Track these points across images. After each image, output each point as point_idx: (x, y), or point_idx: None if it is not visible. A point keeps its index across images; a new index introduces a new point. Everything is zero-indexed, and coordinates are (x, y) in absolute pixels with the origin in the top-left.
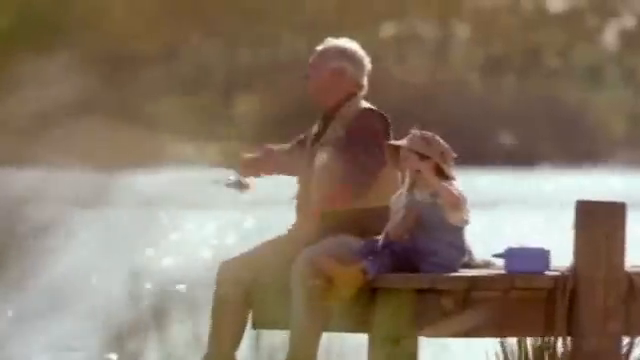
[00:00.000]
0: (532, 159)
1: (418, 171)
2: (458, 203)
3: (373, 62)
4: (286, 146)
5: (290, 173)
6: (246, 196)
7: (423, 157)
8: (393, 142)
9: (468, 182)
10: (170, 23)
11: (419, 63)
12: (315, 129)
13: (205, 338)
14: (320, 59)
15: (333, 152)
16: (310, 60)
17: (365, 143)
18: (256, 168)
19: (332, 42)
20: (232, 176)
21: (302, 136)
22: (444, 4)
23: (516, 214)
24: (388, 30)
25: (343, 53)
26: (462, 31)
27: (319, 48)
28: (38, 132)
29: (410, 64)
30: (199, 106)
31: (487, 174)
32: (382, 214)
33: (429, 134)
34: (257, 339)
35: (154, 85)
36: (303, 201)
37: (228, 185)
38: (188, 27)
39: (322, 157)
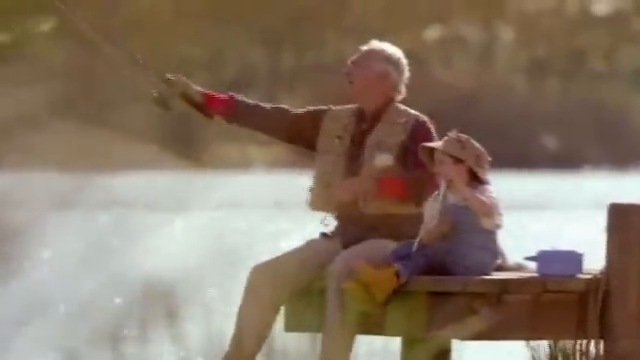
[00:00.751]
0: (576, 162)
1: (450, 180)
2: (488, 211)
3: (418, 64)
4: (267, 105)
5: (252, 128)
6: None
7: (457, 160)
8: (428, 144)
9: (512, 185)
10: (216, 27)
11: (463, 66)
12: (346, 122)
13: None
14: (365, 60)
15: (400, 158)
16: (353, 59)
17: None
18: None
19: (377, 45)
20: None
21: (316, 109)
22: (489, 7)
23: (559, 216)
24: (433, 33)
25: (388, 57)
26: (506, 34)
27: (363, 49)
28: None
29: (455, 67)
30: None
31: (531, 177)
32: (418, 220)
33: (464, 137)
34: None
35: (200, 87)
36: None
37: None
38: (234, 30)
39: (383, 159)
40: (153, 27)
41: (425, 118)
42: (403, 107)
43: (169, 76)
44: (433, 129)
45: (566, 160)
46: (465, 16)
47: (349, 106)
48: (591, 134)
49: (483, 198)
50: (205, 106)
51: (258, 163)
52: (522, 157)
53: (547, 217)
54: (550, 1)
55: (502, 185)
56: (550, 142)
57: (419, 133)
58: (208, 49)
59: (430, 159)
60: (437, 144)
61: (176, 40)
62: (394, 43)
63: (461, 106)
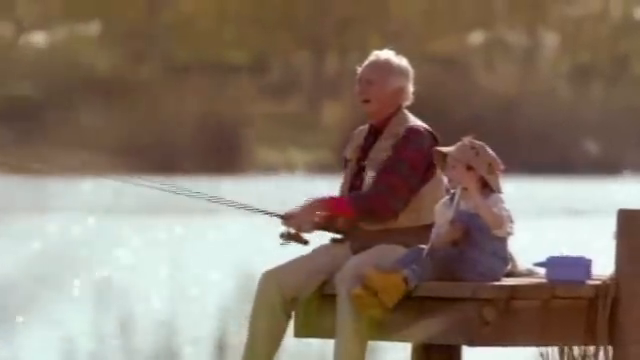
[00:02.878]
0: (618, 167)
1: (465, 188)
2: (498, 223)
3: (460, 70)
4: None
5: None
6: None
7: (470, 167)
8: (441, 149)
9: (552, 190)
10: (260, 31)
11: (506, 71)
12: (360, 141)
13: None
14: (380, 77)
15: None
16: (366, 77)
17: (405, 165)
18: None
19: (385, 57)
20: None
21: (345, 155)
22: (532, 12)
23: (598, 222)
24: (476, 38)
25: (401, 70)
26: (550, 39)
27: (374, 64)
28: None
29: (497, 72)
30: (287, 114)
31: (572, 182)
32: (422, 230)
33: (478, 144)
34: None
35: (244, 92)
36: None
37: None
38: (278, 35)
39: (371, 176)
40: (197, 32)
41: (415, 127)
42: (406, 115)
43: (283, 214)
44: (425, 139)
45: (607, 165)
46: (508, 21)
47: (366, 126)
48: (633, 139)
49: (494, 209)
50: (330, 222)
51: (300, 167)
52: (564, 162)
53: (586, 222)
54: (594, 6)
55: (542, 190)
56: (592, 147)
57: (399, 142)
58: (252, 53)
59: (443, 162)
60: (450, 149)
61: (220, 44)
62: (437, 48)
63: (503, 111)
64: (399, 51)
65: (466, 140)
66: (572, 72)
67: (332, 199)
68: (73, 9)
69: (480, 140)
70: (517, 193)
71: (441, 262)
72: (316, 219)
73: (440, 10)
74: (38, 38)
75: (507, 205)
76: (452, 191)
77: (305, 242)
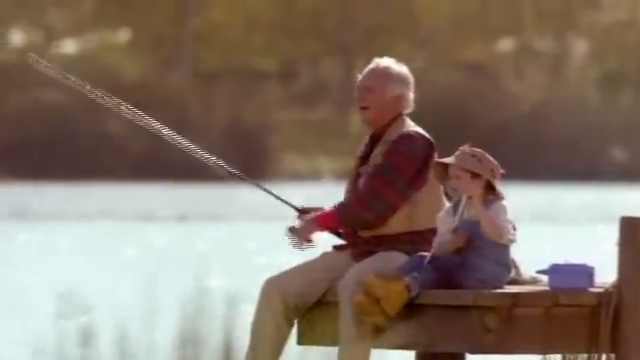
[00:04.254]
0: None
1: (470, 197)
2: (498, 233)
3: (489, 77)
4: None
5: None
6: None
7: (474, 175)
8: (442, 160)
9: (579, 197)
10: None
11: (535, 78)
12: (362, 149)
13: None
14: (378, 84)
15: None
16: (365, 84)
17: (391, 169)
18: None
19: (384, 65)
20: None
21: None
22: (561, 19)
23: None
24: (505, 45)
25: (400, 77)
26: (578, 46)
27: (373, 72)
28: None
29: (526, 79)
30: (315, 121)
31: (600, 189)
32: (425, 237)
33: (478, 151)
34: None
35: (272, 99)
36: None
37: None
38: (306, 42)
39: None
40: (225, 39)
41: (406, 132)
42: (404, 122)
43: (304, 208)
44: (419, 145)
45: (635, 172)
46: (537, 28)
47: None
48: None
49: (496, 221)
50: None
51: (327, 174)
52: (591, 169)
53: (612, 230)
54: (623, 13)
55: (569, 197)
56: (619, 154)
57: (389, 147)
58: (280, 60)
59: (443, 174)
60: (451, 160)
61: (248, 52)
62: (465, 55)
63: (532, 118)
64: (428, 58)
65: (466, 148)
66: (600, 79)
67: (321, 216)
68: (103, 17)
69: (508, 147)
70: (544, 200)
71: (442, 269)
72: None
73: (469, 17)
74: (68, 45)
75: (511, 210)
76: (455, 199)
77: (312, 245)
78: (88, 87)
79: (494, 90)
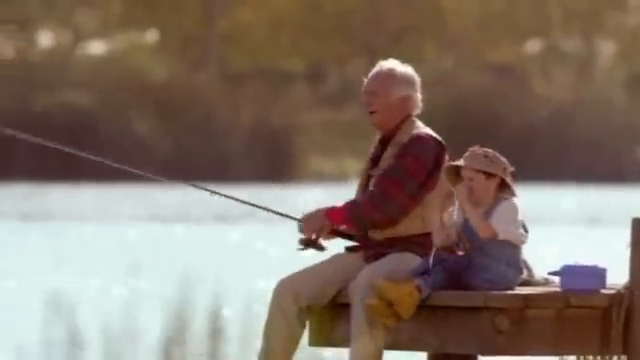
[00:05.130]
0: None
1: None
2: (489, 232)
3: (516, 78)
4: None
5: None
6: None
7: (489, 175)
8: (454, 163)
9: (605, 198)
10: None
11: (562, 79)
12: (372, 152)
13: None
14: (383, 88)
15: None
16: (370, 89)
17: (402, 171)
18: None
19: (388, 67)
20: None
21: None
22: (588, 20)
23: None
24: (532, 46)
25: (405, 79)
26: (606, 47)
27: (377, 75)
28: None
29: (553, 80)
30: (342, 122)
31: (626, 191)
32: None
33: (490, 151)
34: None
35: (299, 100)
36: None
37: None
38: (333, 43)
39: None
40: (252, 40)
41: (418, 134)
42: (414, 124)
43: (300, 218)
44: (430, 147)
45: None
46: (564, 29)
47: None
48: None
49: (487, 225)
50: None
51: (353, 175)
52: (618, 171)
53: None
54: None
55: (595, 198)
56: None
57: (400, 150)
58: (307, 61)
59: (455, 177)
60: (463, 162)
61: (275, 53)
62: (493, 56)
63: (558, 119)
64: (455, 59)
65: (477, 149)
66: (628, 80)
67: (332, 210)
68: (131, 18)
69: (535, 148)
70: (570, 201)
71: (451, 270)
72: (325, 228)
73: (496, 18)
74: (96, 46)
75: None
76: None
77: (322, 248)
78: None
79: (521, 91)
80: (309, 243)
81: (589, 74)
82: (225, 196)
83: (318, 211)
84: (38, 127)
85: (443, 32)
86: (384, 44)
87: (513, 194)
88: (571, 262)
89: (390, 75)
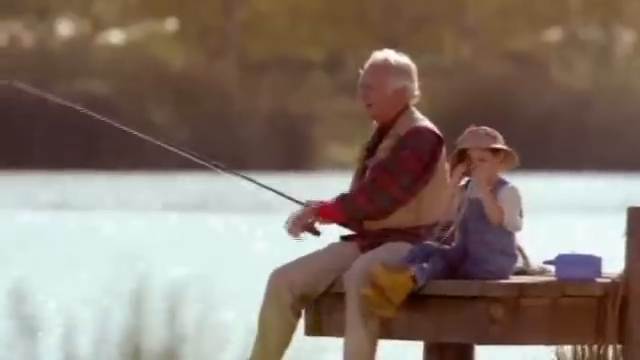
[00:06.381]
0: None
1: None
2: (499, 217)
3: (535, 66)
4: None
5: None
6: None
7: (495, 152)
8: (461, 146)
9: (624, 187)
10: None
11: (581, 68)
12: (368, 143)
13: None
14: (379, 81)
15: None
16: (366, 82)
17: (397, 164)
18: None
19: (383, 58)
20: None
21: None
22: (607, 9)
23: None
24: (551, 35)
25: (401, 70)
26: (625, 36)
27: (372, 67)
28: None
29: (573, 69)
30: (361, 111)
31: None
32: (433, 231)
33: (487, 128)
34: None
35: (318, 89)
36: None
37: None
38: (352, 31)
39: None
40: (271, 29)
41: (416, 127)
42: (412, 115)
43: (309, 202)
44: (418, 138)
45: None
46: (584, 18)
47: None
48: None
49: (498, 204)
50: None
51: None
52: (637, 159)
53: None
54: None
55: (615, 187)
56: None
57: (398, 143)
58: (326, 50)
59: (459, 160)
60: (470, 144)
61: (294, 42)
62: (512, 45)
63: (578, 108)
64: (474, 48)
65: (479, 129)
66: None
67: (324, 206)
68: (150, 7)
69: (554, 136)
70: (589, 189)
71: (450, 260)
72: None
73: (515, 7)
74: (115, 36)
75: (524, 196)
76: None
77: (317, 233)
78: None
79: (540, 79)
80: (305, 228)
81: (608, 62)
82: (278, 193)
83: (309, 208)
84: (57, 116)
85: (462, 21)
86: (403, 32)
87: (516, 163)
88: (566, 251)
89: (385, 67)
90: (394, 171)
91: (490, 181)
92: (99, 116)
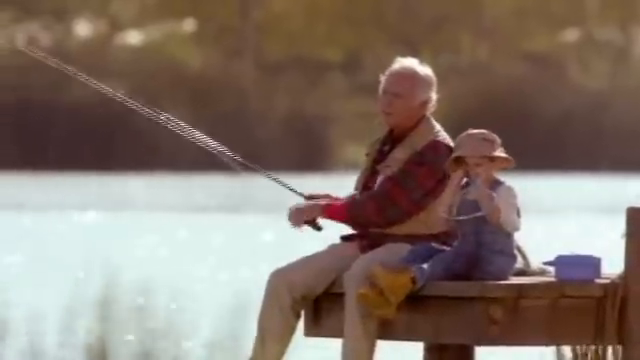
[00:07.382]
0: None
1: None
2: (496, 215)
3: (553, 67)
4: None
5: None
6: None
7: (492, 159)
8: (457, 154)
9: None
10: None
11: (599, 68)
12: (379, 146)
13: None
14: (407, 91)
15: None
16: (391, 90)
17: (411, 178)
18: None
19: (411, 68)
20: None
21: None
22: (624, 9)
23: None
24: (569, 36)
25: (428, 82)
26: None
27: (400, 76)
28: None
29: (590, 69)
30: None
31: None
32: (440, 239)
33: (485, 131)
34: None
35: (335, 90)
36: None
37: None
38: (369, 32)
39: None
40: (288, 29)
41: (433, 142)
42: (430, 125)
43: (311, 195)
44: (435, 154)
45: None
46: (601, 18)
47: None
48: None
49: (494, 202)
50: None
51: None
52: None
53: None
54: None
55: (632, 188)
56: None
57: (414, 156)
58: (344, 51)
59: (456, 165)
60: (466, 151)
61: (311, 42)
62: (529, 46)
63: (595, 108)
64: (491, 49)
65: (475, 134)
66: None
67: (330, 205)
68: (167, 8)
69: (571, 137)
70: (606, 190)
71: (450, 263)
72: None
73: (532, 8)
74: (132, 36)
75: (519, 196)
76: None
77: (319, 228)
78: (94, 82)
79: (557, 80)
80: (307, 222)
81: (625, 63)
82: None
83: (315, 203)
84: (73, 116)
85: (479, 21)
86: (420, 33)
87: (510, 163)
88: (566, 252)
89: (414, 78)
90: (407, 185)
91: (486, 182)
92: (144, 108)
